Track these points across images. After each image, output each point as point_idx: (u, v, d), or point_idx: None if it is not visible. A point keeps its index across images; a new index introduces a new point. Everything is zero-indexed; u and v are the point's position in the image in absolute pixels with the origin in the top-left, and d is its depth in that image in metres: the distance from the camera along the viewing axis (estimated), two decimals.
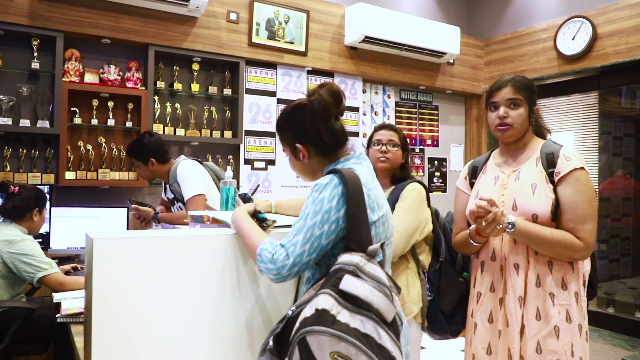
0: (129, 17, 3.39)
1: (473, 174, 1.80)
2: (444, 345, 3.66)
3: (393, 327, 1.08)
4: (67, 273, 2.64)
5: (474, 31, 5.32)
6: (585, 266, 1.64)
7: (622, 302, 4.51)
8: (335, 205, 1.19)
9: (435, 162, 5.16)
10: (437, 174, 5.17)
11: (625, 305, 4.46)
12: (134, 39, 3.42)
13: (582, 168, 1.56)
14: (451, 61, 4.96)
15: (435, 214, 1.98)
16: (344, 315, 1.02)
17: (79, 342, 1.64)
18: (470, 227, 1.62)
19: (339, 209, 1.20)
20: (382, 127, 2.05)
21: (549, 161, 1.59)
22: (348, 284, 1.06)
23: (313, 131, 1.30)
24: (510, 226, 1.52)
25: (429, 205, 1.95)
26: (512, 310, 1.56)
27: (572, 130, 4.70)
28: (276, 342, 1.11)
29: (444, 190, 5.21)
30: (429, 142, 5.12)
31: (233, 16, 3.79)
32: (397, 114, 4.88)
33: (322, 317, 1.01)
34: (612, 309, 4.42)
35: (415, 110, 5.04)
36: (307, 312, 1.03)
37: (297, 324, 1.04)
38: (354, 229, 1.18)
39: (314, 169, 1.37)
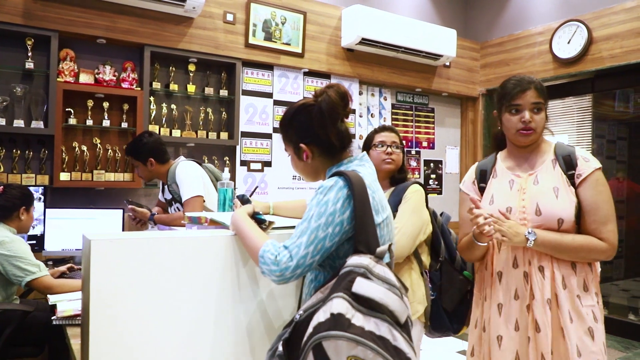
0: (125, 17, 3.36)
1: (482, 178, 1.73)
2: (442, 347, 3.66)
3: (405, 328, 1.07)
4: (62, 274, 2.61)
5: (470, 34, 5.34)
6: (599, 267, 1.63)
7: (615, 304, 4.55)
8: (340, 207, 1.19)
9: (431, 164, 5.17)
10: (433, 176, 5.18)
11: (618, 307, 4.50)
12: (130, 39, 3.40)
13: (600, 168, 1.55)
14: (447, 64, 4.97)
15: (433, 215, 1.99)
16: (358, 319, 1.01)
17: (75, 344, 1.62)
18: (474, 228, 1.59)
19: (344, 211, 1.19)
20: (384, 129, 2.05)
21: (567, 163, 1.57)
22: (361, 286, 1.05)
23: (321, 132, 1.29)
24: (531, 238, 1.49)
25: (427, 206, 1.96)
26: (542, 314, 1.52)
27: (567, 133, 4.73)
28: (285, 347, 1.09)
29: (440, 193, 5.21)
30: (425, 144, 5.13)
31: (230, 17, 3.78)
32: (393, 116, 4.89)
33: (338, 322, 0.99)
34: (605, 310, 4.45)
35: (412, 112, 5.04)
36: (322, 316, 1.02)
37: (311, 329, 1.02)
38: (361, 231, 1.17)
39: (317, 169, 1.36)
